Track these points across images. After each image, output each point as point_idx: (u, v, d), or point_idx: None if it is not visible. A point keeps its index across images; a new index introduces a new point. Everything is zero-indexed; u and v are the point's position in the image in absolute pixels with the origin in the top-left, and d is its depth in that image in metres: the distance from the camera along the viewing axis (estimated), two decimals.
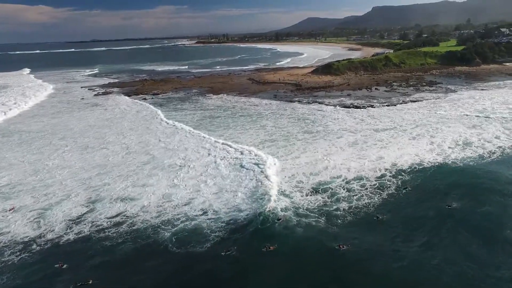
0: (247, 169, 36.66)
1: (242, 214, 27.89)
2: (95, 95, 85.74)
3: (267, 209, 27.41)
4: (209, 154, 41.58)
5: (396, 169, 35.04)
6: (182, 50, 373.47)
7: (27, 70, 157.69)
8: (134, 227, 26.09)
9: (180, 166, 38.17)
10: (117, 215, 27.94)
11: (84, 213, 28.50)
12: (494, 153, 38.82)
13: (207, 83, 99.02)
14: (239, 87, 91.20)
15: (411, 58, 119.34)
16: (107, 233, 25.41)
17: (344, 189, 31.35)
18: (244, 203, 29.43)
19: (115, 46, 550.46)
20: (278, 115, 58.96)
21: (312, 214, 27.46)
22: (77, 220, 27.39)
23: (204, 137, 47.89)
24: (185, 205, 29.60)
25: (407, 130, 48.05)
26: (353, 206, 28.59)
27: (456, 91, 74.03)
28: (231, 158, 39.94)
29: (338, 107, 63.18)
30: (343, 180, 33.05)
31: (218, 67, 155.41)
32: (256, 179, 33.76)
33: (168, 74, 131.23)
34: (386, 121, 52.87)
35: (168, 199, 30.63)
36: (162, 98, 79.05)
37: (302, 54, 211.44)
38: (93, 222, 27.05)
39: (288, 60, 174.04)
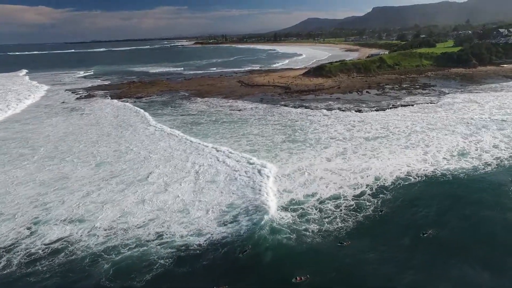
0: (218, 185, 33.69)
1: (201, 239, 24.94)
2: (77, 98, 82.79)
3: (231, 236, 24.64)
4: (183, 168, 38.44)
5: (378, 185, 31.98)
6: (179, 51, 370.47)
7: (24, 72, 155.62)
8: (71, 257, 23.15)
9: (149, 179, 35.11)
10: (57, 241, 25.00)
11: (22, 238, 25.54)
12: (489, 164, 35.80)
13: (195, 86, 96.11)
14: (227, 90, 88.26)
15: (406, 59, 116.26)
16: (37, 266, 22.42)
17: (316, 209, 28.34)
18: (208, 226, 26.43)
19: (114, 47, 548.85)
20: (264, 122, 55.73)
21: (277, 239, 24.51)
22: (9, 247, 24.40)
23: (178, 149, 44.79)
24: (140, 227, 26.63)
25: (395, 138, 45.05)
26: (323, 229, 25.61)
27: (450, 95, 71.02)
28: (205, 172, 36.92)
29: (324, 111, 60.21)
30: (317, 200, 29.95)
31: (211, 68, 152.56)
32: None
33: (160, 76, 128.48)
34: (377, 127, 49.89)
35: (124, 220, 27.71)
36: (144, 102, 76.05)
37: (299, 55, 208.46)
38: (27, 249, 24.07)
39: (284, 61, 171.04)
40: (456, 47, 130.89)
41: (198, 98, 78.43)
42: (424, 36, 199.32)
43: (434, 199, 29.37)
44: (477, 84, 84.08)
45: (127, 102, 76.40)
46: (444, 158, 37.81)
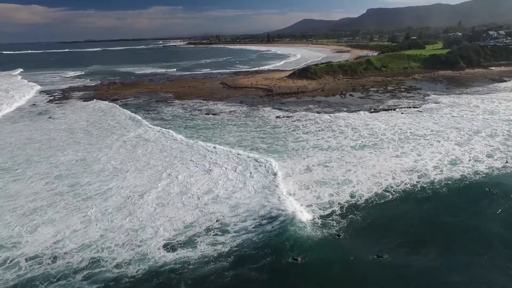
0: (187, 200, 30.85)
1: (141, 266, 22.11)
2: (48, 101, 79.27)
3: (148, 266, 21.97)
4: (150, 181, 35.56)
5: (350, 203, 28.97)
6: (170, 51, 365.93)
7: (19, 70, 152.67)
8: None
9: (109, 193, 32.07)
10: None
11: None
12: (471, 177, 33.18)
13: (176, 88, 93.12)
14: (208, 91, 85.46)
15: (393, 61, 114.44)
16: None
17: None
18: (126, 252, 23.48)
19: (108, 46, 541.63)
20: (243, 128, 51.82)
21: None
22: None
23: (146, 160, 41.85)
24: (75, 253, 23.65)
25: (374, 145, 42.58)
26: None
27: (435, 99, 68.88)
28: (161, 191, 34.04)
29: (309, 115, 57.57)
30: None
31: (198, 69, 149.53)
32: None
33: (143, 77, 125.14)
34: (351, 133, 47.32)
35: (61, 244, 24.45)
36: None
37: (291, 56, 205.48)
38: None
39: (274, 63, 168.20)
40: (444, 49, 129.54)
41: (176, 101, 75.52)
42: (414, 37, 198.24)
43: (405, 219, 26.74)
44: (464, 87, 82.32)
45: (101, 105, 73.12)
46: (420, 170, 35.29)
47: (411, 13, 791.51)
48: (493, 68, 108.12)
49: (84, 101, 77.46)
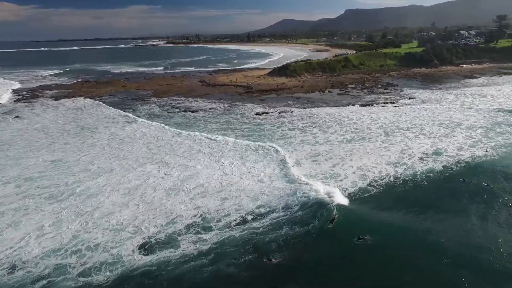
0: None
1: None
2: (16, 100, 75.48)
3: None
4: (98, 192, 34.21)
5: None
6: (149, 50, 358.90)
7: None
8: None
9: (83, 196, 30.23)
10: None
11: None
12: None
13: (154, 85, 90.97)
14: (186, 89, 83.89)
15: (371, 59, 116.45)
16: None
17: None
18: (99, 255, 22.02)
19: (86, 45, 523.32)
20: (226, 126, 50.54)
21: None
22: None
23: (121, 163, 40.27)
24: (40, 260, 22.09)
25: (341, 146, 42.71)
26: None
27: (411, 94, 70.39)
28: (147, 187, 32.79)
29: (292, 111, 57.33)
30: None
31: (177, 68, 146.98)
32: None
33: (120, 75, 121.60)
34: (336, 127, 47.47)
35: (15, 256, 22.22)
36: None
37: (273, 55, 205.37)
38: None
39: (256, 61, 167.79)
40: (419, 48, 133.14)
41: (154, 98, 73.68)
42: (390, 37, 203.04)
43: (379, 216, 26.69)
44: (438, 83, 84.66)
45: (76, 103, 70.26)
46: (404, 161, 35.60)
47: (388, 13, 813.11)
48: (464, 65, 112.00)
49: (56, 99, 74.27)
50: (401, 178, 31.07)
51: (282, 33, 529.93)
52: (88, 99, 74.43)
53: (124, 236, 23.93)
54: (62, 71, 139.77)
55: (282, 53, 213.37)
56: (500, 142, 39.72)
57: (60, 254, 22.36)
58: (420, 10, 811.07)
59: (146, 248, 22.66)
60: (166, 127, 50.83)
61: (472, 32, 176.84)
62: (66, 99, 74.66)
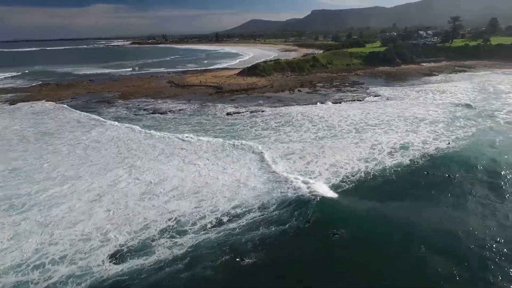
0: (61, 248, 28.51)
1: None
2: None
3: None
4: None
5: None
6: (114, 51, 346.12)
7: None
8: None
9: (47, 205, 28.37)
10: None
11: None
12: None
13: (120, 87, 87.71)
14: (154, 90, 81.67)
15: (338, 58, 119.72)
16: None
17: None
18: (66, 268, 20.78)
19: (42, 46, 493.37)
20: (198, 127, 49.49)
21: None
22: None
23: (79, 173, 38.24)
24: None
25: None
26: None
27: (376, 92, 72.95)
28: (118, 192, 31.27)
29: (265, 110, 57.38)
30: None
31: (144, 69, 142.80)
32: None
33: (83, 77, 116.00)
34: (307, 125, 48.10)
35: None
36: None
37: (244, 55, 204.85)
38: None
39: (226, 61, 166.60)
40: (382, 47, 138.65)
41: (120, 101, 71.01)
42: (355, 37, 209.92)
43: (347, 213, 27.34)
44: (401, 81, 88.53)
45: (35, 107, 66.07)
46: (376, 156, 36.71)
47: (352, 14, 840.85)
48: (424, 64, 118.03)
49: (11, 104, 69.46)
50: (371, 174, 32.08)
51: (251, 33, 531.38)
52: (51, 102, 70.39)
53: (94, 246, 22.75)
54: (20, 73, 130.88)
55: (252, 53, 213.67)
56: (460, 135, 42.26)
57: (20, 271, 20.73)
58: (382, 11, 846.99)
59: (117, 257, 21.68)
60: (136, 129, 49.21)
61: (429, 32, 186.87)
62: (23, 103, 70.05)
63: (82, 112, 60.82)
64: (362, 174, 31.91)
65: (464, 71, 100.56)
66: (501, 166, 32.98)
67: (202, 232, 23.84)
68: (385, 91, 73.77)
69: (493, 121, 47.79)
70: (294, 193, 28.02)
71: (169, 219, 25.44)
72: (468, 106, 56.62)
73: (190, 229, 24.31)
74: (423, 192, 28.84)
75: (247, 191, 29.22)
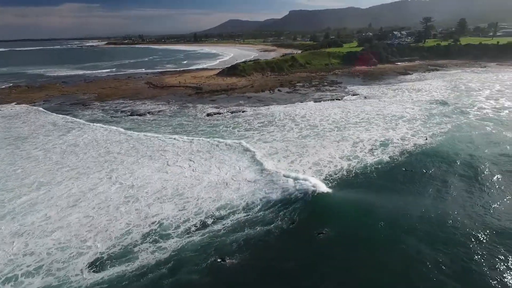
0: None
1: None
2: None
3: None
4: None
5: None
6: (89, 51, 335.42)
7: None
8: None
9: (20, 214, 26.93)
10: None
11: None
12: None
13: (96, 89, 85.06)
14: (132, 92, 79.74)
15: (316, 58, 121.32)
16: None
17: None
18: (42, 280, 19.86)
19: (10, 47, 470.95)
20: (179, 129, 48.76)
21: None
22: None
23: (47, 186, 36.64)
24: None
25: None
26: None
27: (354, 91, 74.37)
28: (96, 197, 30.05)
29: (246, 111, 57.11)
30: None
31: (121, 70, 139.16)
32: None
33: (56, 79, 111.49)
34: (289, 124, 48.26)
35: None
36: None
37: (224, 55, 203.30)
38: None
39: (205, 61, 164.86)
40: (359, 47, 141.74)
41: (96, 103, 68.82)
42: (333, 37, 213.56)
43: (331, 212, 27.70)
44: (378, 80, 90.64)
45: (5, 111, 62.92)
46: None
47: (329, 15, 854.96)
48: (399, 63, 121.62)
49: None
50: (353, 172, 32.62)
51: (230, 33, 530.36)
52: (23, 105, 67.27)
53: (72, 254, 21.83)
54: None
55: (231, 53, 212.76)
56: (436, 131, 43.78)
57: None
58: (358, 12, 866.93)
59: (97, 265, 20.90)
60: (115, 131, 47.80)
61: (403, 32, 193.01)
62: None
63: (59, 115, 58.50)
64: (345, 172, 32.39)
65: (437, 70, 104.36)
66: (475, 159, 34.43)
67: (186, 236, 23.43)
68: (363, 90, 75.37)
69: (466, 118, 49.84)
70: (282, 192, 28.05)
71: (152, 223, 24.86)
72: (442, 103, 58.80)
73: (174, 232, 23.84)
74: (404, 187, 29.65)
75: (231, 192, 28.97)
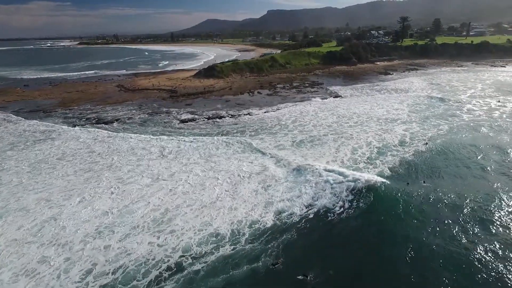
0: None
1: None
2: None
3: None
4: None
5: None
6: (59, 52, 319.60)
7: None
8: None
9: None
10: None
11: None
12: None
13: (61, 93, 78.52)
14: (101, 96, 73.92)
15: (296, 58, 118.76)
16: None
17: None
18: None
19: None
20: (144, 137, 44.96)
21: None
22: None
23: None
24: None
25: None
26: None
27: (337, 92, 71.83)
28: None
29: (225, 116, 53.00)
30: None
31: (92, 71, 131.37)
32: None
33: (18, 82, 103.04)
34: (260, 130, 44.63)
35: None
36: None
37: (199, 55, 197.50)
38: None
39: (180, 62, 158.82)
40: (338, 47, 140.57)
41: (59, 109, 62.76)
42: (311, 36, 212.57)
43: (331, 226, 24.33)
44: (359, 80, 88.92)
45: None
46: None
47: (307, 14, 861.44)
48: (378, 63, 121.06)
49: None
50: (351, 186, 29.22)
51: (208, 33, 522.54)
52: None
53: None
54: None
55: (211, 53, 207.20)
56: (435, 134, 42.18)
57: None
58: (335, 12, 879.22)
59: None
60: (81, 143, 42.60)
61: (381, 32, 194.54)
62: None
63: (8, 126, 52.30)
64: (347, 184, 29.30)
65: (416, 69, 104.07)
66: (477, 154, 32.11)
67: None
68: (345, 91, 72.99)
69: (459, 118, 48.66)
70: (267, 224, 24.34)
71: (119, 267, 20.38)
72: (432, 104, 57.51)
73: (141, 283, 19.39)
74: (406, 205, 26.66)
75: (219, 217, 24.94)
